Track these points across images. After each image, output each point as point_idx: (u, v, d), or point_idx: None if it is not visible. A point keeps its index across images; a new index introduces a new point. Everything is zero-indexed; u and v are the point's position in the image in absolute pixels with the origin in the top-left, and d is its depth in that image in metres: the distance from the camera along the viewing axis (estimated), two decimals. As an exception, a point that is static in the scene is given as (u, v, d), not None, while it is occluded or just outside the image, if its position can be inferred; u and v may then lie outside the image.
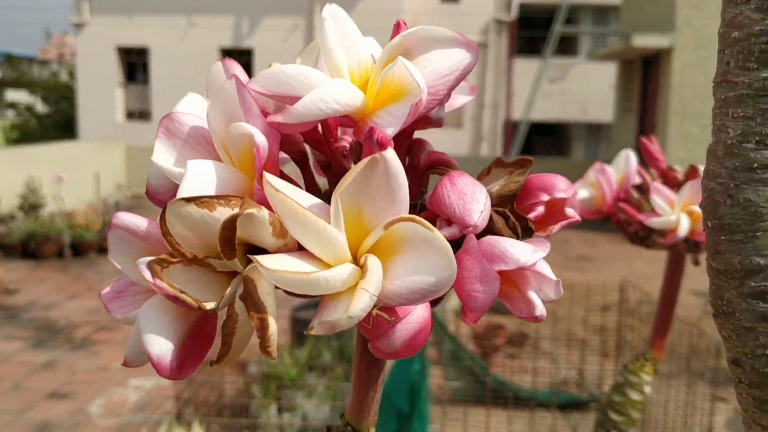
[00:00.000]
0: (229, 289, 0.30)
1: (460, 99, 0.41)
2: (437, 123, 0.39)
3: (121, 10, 11.07)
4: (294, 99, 0.32)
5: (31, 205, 7.04)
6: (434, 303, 0.33)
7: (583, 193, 0.86)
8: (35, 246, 6.00)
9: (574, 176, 0.85)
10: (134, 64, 11.63)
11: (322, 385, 2.71)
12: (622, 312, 3.19)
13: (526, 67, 11.76)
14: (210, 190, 0.31)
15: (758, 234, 0.31)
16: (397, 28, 0.36)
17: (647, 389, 0.90)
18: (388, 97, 0.33)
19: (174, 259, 0.30)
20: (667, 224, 0.78)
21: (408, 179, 0.31)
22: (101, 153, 9.53)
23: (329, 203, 0.30)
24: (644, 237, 0.83)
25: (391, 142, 0.31)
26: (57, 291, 5.02)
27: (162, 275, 0.29)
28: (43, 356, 3.71)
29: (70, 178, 7.38)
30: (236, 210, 0.28)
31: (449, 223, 0.33)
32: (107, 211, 7.16)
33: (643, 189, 0.85)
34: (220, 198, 0.29)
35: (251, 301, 0.28)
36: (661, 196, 0.79)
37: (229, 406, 2.76)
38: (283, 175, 0.35)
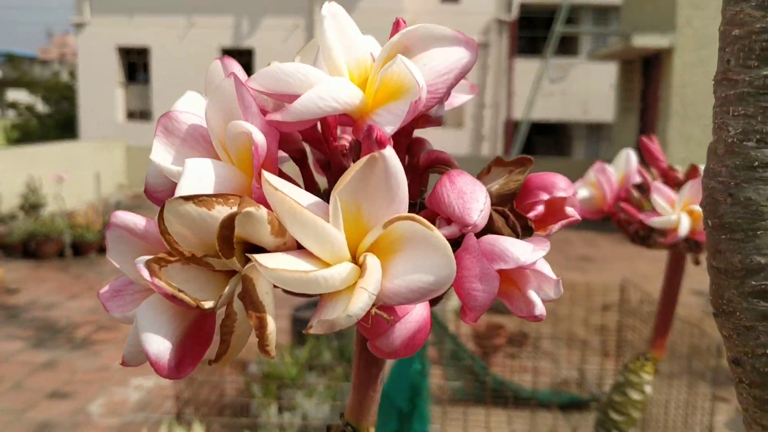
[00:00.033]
0: (227, 288, 0.30)
1: (459, 97, 0.41)
2: (437, 121, 0.39)
3: (121, 10, 11.08)
4: (293, 97, 0.32)
5: (31, 205, 7.04)
6: (434, 302, 0.32)
7: (583, 192, 0.85)
8: (36, 246, 6.01)
9: (575, 176, 0.85)
10: (135, 64, 11.64)
11: (322, 384, 2.71)
12: (623, 312, 3.18)
13: (526, 67, 11.75)
14: (208, 189, 0.31)
15: (759, 233, 0.31)
16: (397, 26, 0.36)
17: (648, 389, 0.90)
18: (387, 95, 0.33)
19: (172, 258, 0.30)
20: (668, 224, 0.78)
21: (407, 178, 0.30)
22: (102, 153, 9.53)
23: (328, 202, 0.30)
24: (645, 236, 0.83)
25: (390, 140, 0.31)
26: (58, 291, 5.02)
27: (160, 274, 0.29)
28: (44, 356, 3.71)
29: (70, 177, 7.38)
30: (234, 208, 0.28)
31: (449, 222, 0.32)
32: (108, 211, 7.16)
33: (643, 188, 0.85)
34: (219, 196, 0.29)
35: (250, 299, 0.28)
36: (661, 195, 0.78)
37: (230, 405, 2.76)
38: (281, 174, 0.34)
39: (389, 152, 0.29)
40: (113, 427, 2.90)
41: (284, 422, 2.52)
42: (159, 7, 11.06)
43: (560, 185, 0.37)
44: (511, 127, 11.72)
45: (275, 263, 0.28)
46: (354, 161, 0.34)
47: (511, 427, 2.81)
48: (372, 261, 0.29)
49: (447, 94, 0.35)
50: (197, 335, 0.32)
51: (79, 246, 6.10)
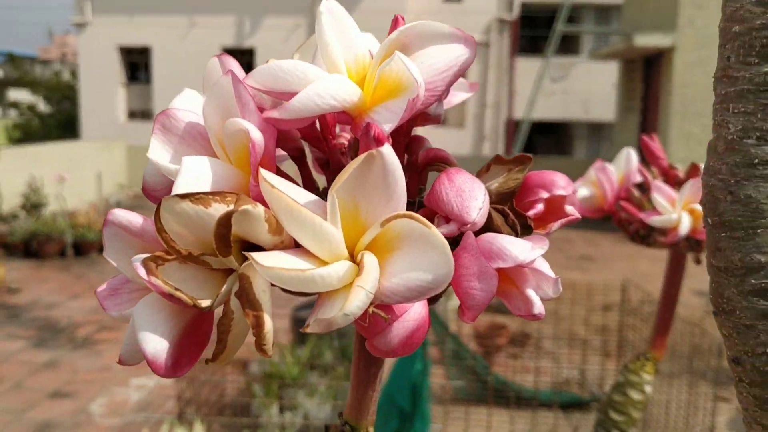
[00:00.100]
0: (224, 287, 0.30)
1: (459, 96, 0.41)
2: (436, 119, 0.39)
3: (122, 10, 11.08)
4: (291, 95, 0.31)
5: (33, 205, 7.05)
6: (432, 301, 0.32)
7: (584, 191, 0.85)
8: (37, 245, 6.01)
9: (576, 175, 0.84)
10: (136, 63, 11.65)
11: (323, 384, 2.71)
12: (624, 311, 3.18)
13: (528, 67, 11.75)
14: (205, 187, 0.31)
15: (759, 231, 0.30)
16: (395, 23, 0.36)
17: (648, 389, 0.90)
18: (385, 92, 0.33)
19: (169, 257, 0.30)
20: (669, 222, 0.78)
21: (406, 176, 0.30)
22: (103, 153, 9.54)
23: (327, 200, 0.30)
24: (645, 236, 0.83)
25: (389, 138, 0.30)
26: (59, 290, 5.02)
27: (157, 273, 0.29)
28: (45, 356, 3.71)
29: (72, 177, 7.38)
30: (231, 206, 0.28)
31: (447, 220, 0.32)
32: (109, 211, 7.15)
33: (644, 187, 0.84)
34: (215, 194, 0.29)
35: (247, 298, 0.28)
36: (662, 194, 0.78)
37: (231, 405, 2.76)
38: (279, 172, 0.34)
39: (387, 150, 0.29)
40: (114, 427, 2.90)
41: (285, 422, 2.52)
42: (160, 7, 11.07)
43: (560, 183, 0.37)
44: (513, 126, 11.71)
45: (272, 261, 0.28)
46: (352, 159, 0.34)
47: (512, 427, 2.81)
48: (369, 259, 0.28)
49: (446, 91, 0.34)
50: (194, 334, 0.32)
51: (81, 246, 6.11)
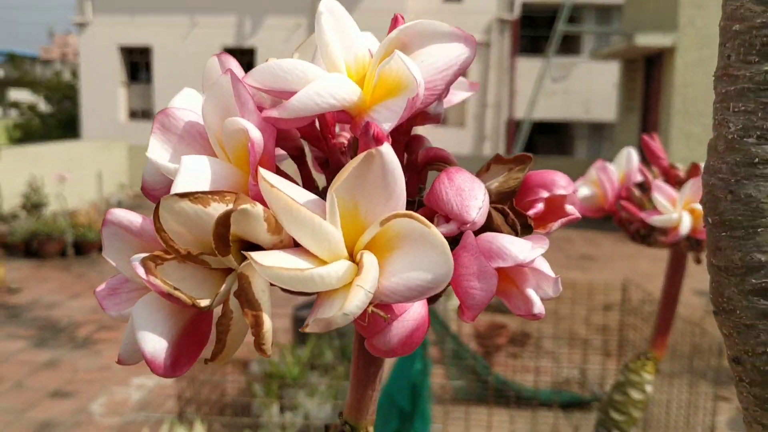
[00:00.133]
0: (223, 287, 0.30)
1: (459, 95, 0.41)
2: (435, 119, 0.39)
3: (123, 10, 11.08)
4: (290, 94, 0.31)
5: (33, 205, 7.05)
6: (432, 300, 0.32)
7: (584, 191, 0.85)
8: (38, 245, 6.01)
9: (577, 175, 0.84)
10: (137, 63, 11.65)
11: (324, 384, 2.71)
12: (625, 311, 3.18)
13: (528, 66, 11.74)
14: (204, 186, 0.31)
15: (759, 230, 0.30)
16: (395, 22, 0.36)
17: (648, 388, 0.89)
18: (385, 91, 0.32)
19: (168, 256, 0.29)
20: (669, 222, 0.78)
21: (406, 176, 0.30)
22: (104, 152, 9.54)
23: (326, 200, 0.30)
24: (646, 235, 0.83)
25: (388, 137, 0.30)
26: (59, 290, 5.02)
27: (156, 272, 0.29)
28: (46, 355, 3.71)
29: (72, 177, 7.39)
30: (230, 206, 0.28)
31: (447, 219, 0.32)
32: (110, 211, 7.15)
33: (644, 187, 0.84)
34: (214, 194, 0.29)
35: (245, 298, 0.28)
36: (662, 193, 0.78)
37: (231, 405, 2.76)
38: (279, 171, 0.34)
39: (386, 149, 0.29)
40: (114, 427, 2.90)
41: (286, 422, 2.52)
42: (161, 7, 11.07)
43: (560, 183, 0.37)
44: (513, 126, 11.71)
45: (271, 261, 0.28)
46: (352, 158, 0.34)
47: (512, 427, 2.81)
48: (369, 259, 0.28)
49: (446, 90, 0.34)
50: (193, 334, 0.32)
51: (81, 245, 6.11)
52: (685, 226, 0.76)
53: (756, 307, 0.31)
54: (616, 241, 7.11)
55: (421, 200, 0.36)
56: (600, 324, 3.62)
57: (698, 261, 0.81)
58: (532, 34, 13.01)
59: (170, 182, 0.31)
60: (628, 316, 3.15)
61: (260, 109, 0.32)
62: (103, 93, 11.22)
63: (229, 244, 0.28)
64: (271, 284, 0.29)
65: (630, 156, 0.85)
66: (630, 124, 8.95)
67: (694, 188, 0.76)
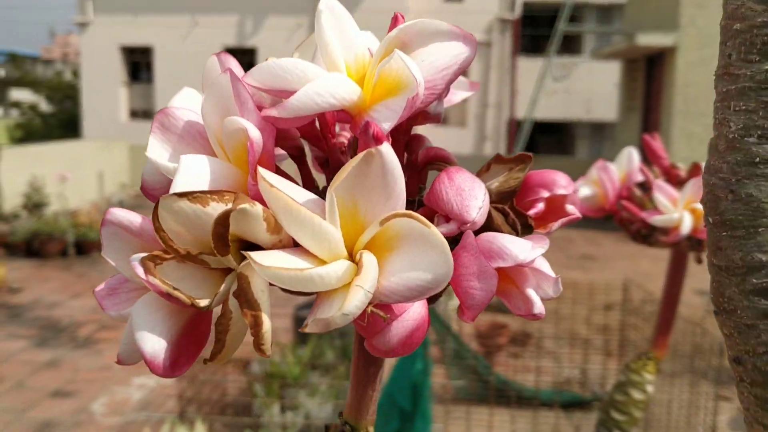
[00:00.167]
0: (222, 286, 0.30)
1: (459, 94, 0.41)
2: (435, 118, 0.39)
3: (124, 10, 11.09)
4: (290, 93, 0.31)
5: (34, 204, 7.05)
6: (432, 300, 0.32)
7: (585, 190, 0.85)
8: (39, 245, 6.02)
9: (578, 175, 0.84)
10: (138, 63, 11.65)
11: (324, 383, 2.71)
12: (626, 311, 3.18)
13: (529, 66, 11.73)
14: (204, 186, 0.31)
15: (760, 230, 0.30)
16: (395, 21, 0.35)
17: (649, 388, 0.89)
18: (385, 91, 0.32)
19: (167, 256, 0.29)
20: (670, 222, 0.78)
21: (406, 175, 0.30)
22: (105, 152, 9.55)
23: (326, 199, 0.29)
24: (647, 235, 0.83)
25: (388, 136, 0.30)
26: (60, 290, 5.02)
27: (155, 272, 0.29)
28: (47, 355, 3.71)
29: (73, 177, 7.39)
30: (230, 205, 0.28)
31: (447, 219, 0.32)
32: (111, 210, 7.15)
33: (645, 187, 0.84)
34: (213, 193, 0.29)
35: (245, 298, 0.28)
36: (663, 193, 0.78)
37: (232, 404, 2.76)
38: (279, 171, 0.34)
39: (386, 148, 0.29)
40: (115, 427, 2.90)
41: (287, 421, 2.52)
42: (162, 7, 11.07)
43: (560, 182, 0.36)
44: (514, 126, 11.70)
45: (270, 261, 0.28)
46: (352, 158, 0.34)
47: (513, 427, 2.81)
48: (368, 258, 0.28)
49: (446, 90, 0.34)
50: (193, 334, 0.32)
51: (82, 245, 6.12)
52: (686, 225, 0.76)
53: (757, 307, 0.31)
54: (617, 240, 7.11)
55: (421, 200, 0.36)
56: (601, 324, 3.62)
57: (699, 260, 0.81)
58: (533, 33, 13.00)
59: (170, 182, 0.31)
60: (629, 316, 3.15)
61: (260, 108, 0.32)
62: (104, 93, 11.22)
63: (228, 243, 0.28)
64: (271, 284, 0.29)
65: (631, 156, 0.85)
66: (631, 124, 8.94)
67: (695, 188, 0.76)
